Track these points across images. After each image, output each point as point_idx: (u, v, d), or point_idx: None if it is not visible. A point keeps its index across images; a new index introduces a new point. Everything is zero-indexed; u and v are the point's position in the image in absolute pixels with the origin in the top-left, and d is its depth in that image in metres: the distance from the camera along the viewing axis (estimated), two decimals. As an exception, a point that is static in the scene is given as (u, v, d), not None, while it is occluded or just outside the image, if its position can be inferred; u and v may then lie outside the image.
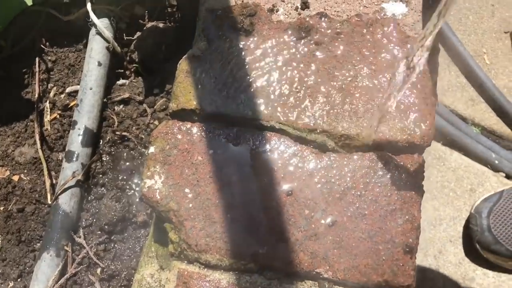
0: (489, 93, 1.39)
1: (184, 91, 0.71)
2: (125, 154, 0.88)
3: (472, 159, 1.35)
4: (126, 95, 0.92)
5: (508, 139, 1.40)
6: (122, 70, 0.95)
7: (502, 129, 1.40)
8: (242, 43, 0.73)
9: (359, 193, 0.66)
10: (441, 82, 1.44)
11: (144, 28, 0.92)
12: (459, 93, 1.43)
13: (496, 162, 1.34)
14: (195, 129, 0.70)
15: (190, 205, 0.66)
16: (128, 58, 0.94)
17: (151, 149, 0.69)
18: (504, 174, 1.34)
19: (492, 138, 1.40)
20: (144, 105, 0.92)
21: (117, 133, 0.90)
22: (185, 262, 0.66)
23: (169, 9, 0.98)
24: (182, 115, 0.71)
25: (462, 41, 1.44)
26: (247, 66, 0.72)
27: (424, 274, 1.26)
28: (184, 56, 0.73)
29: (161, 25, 0.92)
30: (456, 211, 1.30)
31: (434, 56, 0.74)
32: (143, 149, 0.88)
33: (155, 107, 0.92)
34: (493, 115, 1.40)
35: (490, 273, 1.24)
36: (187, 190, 0.67)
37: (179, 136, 0.69)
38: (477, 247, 1.21)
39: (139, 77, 0.94)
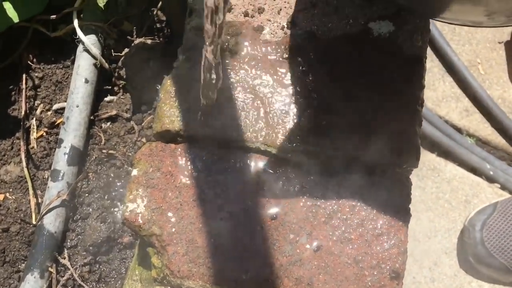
0: (484, 103, 1.38)
1: (168, 111, 0.70)
2: (111, 172, 0.87)
3: (467, 170, 1.35)
4: (114, 112, 0.91)
5: (502, 150, 1.39)
6: (110, 87, 0.94)
7: (496, 139, 1.39)
8: (227, 62, 0.72)
9: (344, 216, 0.65)
10: (436, 93, 1.43)
11: (132, 44, 0.91)
12: (454, 104, 1.43)
13: (491, 173, 1.34)
14: (179, 151, 0.69)
15: (173, 229, 0.65)
16: (116, 74, 0.93)
17: (134, 172, 0.68)
18: (499, 185, 1.33)
19: (486, 149, 1.39)
20: (132, 122, 0.91)
21: (104, 151, 0.89)
22: (168, 287, 0.65)
23: (157, 25, 0.97)
24: (166, 136, 0.70)
25: (456, 51, 1.44)
26: (232, 87, 0.71)
27: (419, 286, 1.25)
28: (168, 76, 0.72)
29: (149, 41, 0.92)
30: (451, 222, 1.29)
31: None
32: (130, 168, 0.87)
33: (142, 124, 0.91)
34: (487, 126, 1.40)
35: (486, 285, 1.23)
36: (170, 214, 0.66)
37: (163, 159, 0.68)
38: (471, 260, 1.20)
39: (127, 94, 0.93)
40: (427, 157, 1.37)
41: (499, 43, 1.48)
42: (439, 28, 1.47)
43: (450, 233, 1.30)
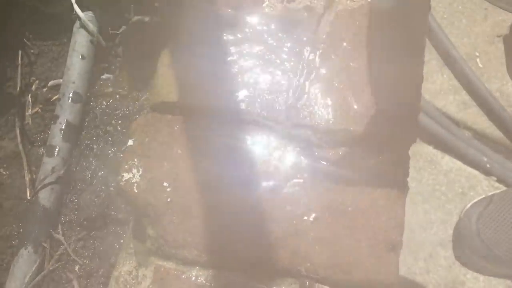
0: (482, 96, 1.38)
1: (165, 84, 0.69)
2: (107, 148, 0.86)
3: (464, 163, 1.34)
4: (110, 89, 0.90)
5: (500, 143, 1.39)
6: (107, 64, 0.93)
7: (494, 133, 1.38)
8: (226, 35, 0.71)
9: (342, 188, 0.64)
10: (434, 85, 1.43)
11: (130, 22, 0.91)
12: (452, 96, 1.42)
13: (488, 165, 1.33)
14: (176, 122, 0.68)
15: (169, 199, 0.64)
16: (113, 52, 0.92)
17: (130, 142, 0.67)
18: (495, 178, 1.33)
19: (484, 142, 1.38)
20: (128, 99, 0.90)
21: (100, 127, 0.88)
22: (163, 258, 0.64)
23: (156, 4, 0.96)
24: (163, 107, 0.70)
25: (455, 44, 1.43)
26: (230, 59, 0.70)
27: (414, 277, 1.24)
28: (166, 49, 0.72)
29: (146, 19, 0.91)
30: (447, 214, 1.28)
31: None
32: (126, 142, 0.86)
33: (139, 101, 0.90)
34: (485, 119, 1.39)
35: (481, 277, 1.22)
36: (166, 184, 0.65)
37: (159, 129, 0.68)
38: (466, 252, 1.19)
39: (124, 72, 0.92)
40: (424, 149, 1.36)
41: (498, 36, 1.47)
42: (438, 21, 1.46)
43: (446, 225, 1.29)
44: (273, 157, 0.66)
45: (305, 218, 0.63)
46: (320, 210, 0.63)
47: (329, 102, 0.68)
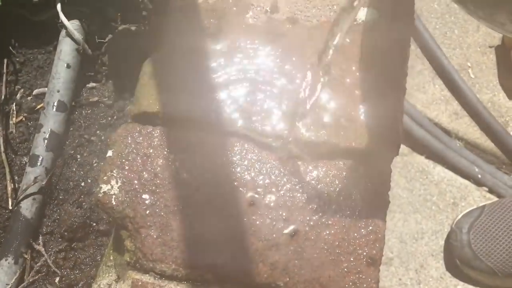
0: (473, 107, 1.38)
1: (147, 94, 0.69)
2: (90, 158, 0.86)
3: (455, 173, 1.34)
4: (95, 98, 0.90)
5: (491, 154, 1.38)
6: (93, 73, 0.92)
7: (485, 143, 1.38)
8: (209, 46, 0.71)
9: (322, 202, 0.63)
10: (425, 95, 1.43)
11: (116, 30, 0.90)
12: (443, 107, 1.42)
13: (479, 176, 1.33)
14: (156, 133, 0.67)
15: (147, 211, 0.63)
16: (99, 61, 0.92)
17: (109, 153, 0.66)
18: (487, 189, 1.32)
19: (475, 152, 1.38)
20: (113, 109, 0.90)
21: (85, 137, 0.87)
22: (141, 271, 0.63)
23: (143, 12, 0.96)
24: (144, 118, 0.69)
25: (447, 54, 1.44)
26: (212, 71, 0.70)
27: (405, 288, 1.23)
28: (149, 58, 0.71)
29: (133, 27, 0.91)
30: (438, 224, 1.28)
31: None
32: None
33: (124, 111, 0.89)
34: (476, 129, 1.39)
35: (472, 288, 1.22)
36: (144, 196, 0.64)
37: (139, 140, 0.67)
38: (457, 262, 1.19)
39: (110, 81, 0.92)
40: (415, 159, 1.36)
41: (490, 47, 1.47)
42: (431, 31, 1.47)
43: (437, 235, 1.28)
44: (253, 169, 0.65)
45: (285, 231, 0.62)
46: (300, 224, 0.62)
47: (314, 114, 0.67)
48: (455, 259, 1.20)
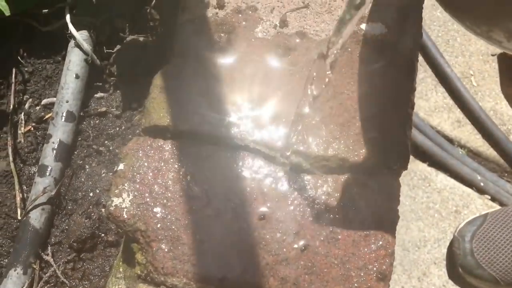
0: (476, 115, 1.39)
1: (158, 107, 0.69)
2: (99, 169, 0.86)
3: (458, 181, 1.34)
4: (103, 109, 0.90)
5: (493, 162, 1.39)
6: (101, 83, 0.93)
7: (488, 151, 1.39)
8: (219, 60, 0.72)
9: (332, 216, 0.64)
10: (428, 103, 1.43)
11: (124, 41, 0.91)
12: (446, 114, 1.43)
13: (482, 184, 1.33)
14: (167, 147, 0.68)
15: (159, 225, 0.64)
16: (107, 71, 0.92)
17: (120, 166, 0.67)
18: (489, 197, 1.33)
19: (477, 160, 1.39)
20: (122, 119, 0.90)
21: (93, 147, 0.88)
22: (152, 285, 0.64)
23: (151, 23, 0.96)
24: (155, 131, 0.69)
25: (449, 62, 1.45)
26: (223, 84, 0.70)
27: (408, 296, 1.24)
28: (159, 71, 0.72)
29: (141, 38, 0.91)
30: (441, 232, 1.29)
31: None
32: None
33: (132, 121, 0.90)
34: (479, 137, 1.40)
35: (474, 296, 1.22)
36: (156, 210, 0.65)
37: (150, 154, 0.67)
38: (460, 271, 1.19)
39: (118, 91, 0.92)
40: (418, 167, 1.37)
41: (492, 55, 1.48)
42: (433, 39, 1.47)
43: (439, 243, 1.29)
44: (264, 183, 0.66)
45: (295, 246, 0.63)
46: (311, 238, 0.63)
47: (323, 128, 0.68)
48: (457, 267, 1.20)
